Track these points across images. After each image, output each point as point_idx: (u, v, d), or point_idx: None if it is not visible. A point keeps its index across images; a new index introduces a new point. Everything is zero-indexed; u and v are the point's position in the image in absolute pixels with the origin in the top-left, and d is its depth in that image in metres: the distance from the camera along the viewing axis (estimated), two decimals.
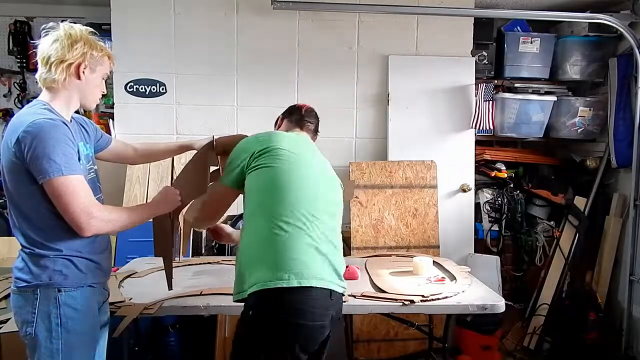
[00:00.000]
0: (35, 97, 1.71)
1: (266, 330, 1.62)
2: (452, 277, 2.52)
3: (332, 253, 1.74)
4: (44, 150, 1.51)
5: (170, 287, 2.15)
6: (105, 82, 1.80)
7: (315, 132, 2.04)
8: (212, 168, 2.17)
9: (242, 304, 1.70)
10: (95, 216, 1.56)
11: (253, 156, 1.75)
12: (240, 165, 1.78)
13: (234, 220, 3.28)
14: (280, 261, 1.62)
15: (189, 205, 2.18)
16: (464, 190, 3.64)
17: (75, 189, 1.54)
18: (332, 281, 1.69)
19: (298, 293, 1.60)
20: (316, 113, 2.06)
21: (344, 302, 1.87)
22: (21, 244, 1.63)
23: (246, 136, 2.15)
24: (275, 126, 2.07)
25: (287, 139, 1.82)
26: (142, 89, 3.51)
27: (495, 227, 3.77)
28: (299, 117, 1.99)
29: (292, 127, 1.99)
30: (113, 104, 3.51)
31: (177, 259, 2.37)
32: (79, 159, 1.63)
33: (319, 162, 1.89)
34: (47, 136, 1.52)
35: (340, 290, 1.73)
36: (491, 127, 3.63)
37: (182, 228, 2.14)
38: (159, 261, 2.57)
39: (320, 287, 1.63)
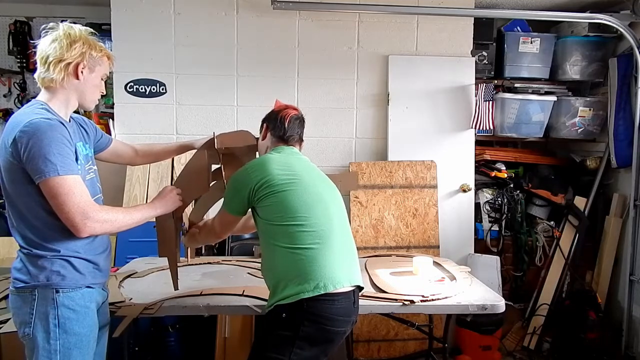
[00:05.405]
0: (35, 97, 1.70)
1: (295, 331, 1.71)
2: (452, 277, 2.52)
3: (351, 254, 1.88)
4: (40, 150, 1.51)
5: (176, 287, 2.16)
6: (105, 82, 1.80)
7: (301, 139, 2.03)
8: (214, 167, 2.17)
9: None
10: (91, 217, 1.55)
11: (254, 189, 1.79)
12: (244, 198, 1.82)
13: None
14: (308, 275, 1.72)
15: (194, 209, 2.18)
16: (464, 190, 3.63)
17: (70, 189, 1.53)
18: (357, 278, 1.84)
19: (324, 302, 1.71)
20: (301, 117, 2.02)
21: None
22: (19, 244, 1.63)
23: (248, 132, 2.15)
24: (260, 133, 2.04)
25: (277, 163, 1.83)
26: (142, 89, 3.50)
27: (495, 227, 3.76)
28: (282, 132, 1.96)
29: (276, 143, 1.97)
30: (113, 104, 3.51)
31: (183, 258, 2.37)
32: (77, 159, 1.63)
33: (313, 172, 1.92)
34: (44, 136, 1.52)
35: (362, 285, 1.88)
36: (491, 127, 3.63)
37: (187, 229, 2.14)
38: (159, 261, 2.59)
39: (345, 292, 1.76)
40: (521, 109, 3.65)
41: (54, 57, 1.61)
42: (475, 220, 3.72)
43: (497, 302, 2.22)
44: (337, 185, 1.99)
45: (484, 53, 3.73)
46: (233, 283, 2.39)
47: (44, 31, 1.66)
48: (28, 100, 3.63)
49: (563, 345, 3.48)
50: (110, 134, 3.05)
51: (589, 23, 3.51)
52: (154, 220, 1.97)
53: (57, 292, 1.60)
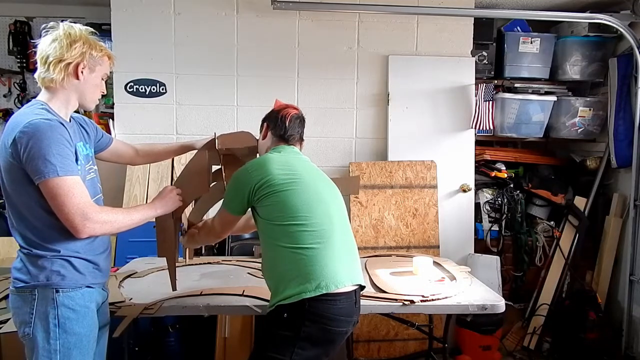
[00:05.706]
0: (35, 97, 1.70)
1: (297, 331, 1.70)
2: (452, 277, 2.52)
3: (352, 253, 1.87)
4: (40, 151, 1.50)
5: (174, 287, 2.16)
6: (105, 82, 1.80)
7: (301, 139, 2.03)
8: (214, 167, 2.17)
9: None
10: (90, 218, 1.55)
11: (254, 189, 1.78)
12: (244, 197, 1.82)
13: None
14: (309, 275, 1.71)
15: (194, 209, 2.18)
16: (464, 190, 3.63)
17: (70, 189, 1.53)
18: (359, 277, 1.83)
19: (326, 302, 1.71)
20: (301, 117, 2.02)
21: None
22: (19, 244, 1.63)
23: (249, 133, 2.15)
24: (260, 133, 2.04)
25: (277, 163, 1.82)
26: (142, 89, 3.51)
27: (495, 227, 3.76)
28: (283, 131, 1.96)
29: (276, 142, 1.97)
30: (113, 104, 3.51)
31: (181, 259, 2.37)
32: (77, 160, 1.63)
33: (313, 171, 1.91)
34: (43, 137, 1.51)
35: (364, 284, 1.88)
36: (491, 127, 3.63)
37: (186, 230, 2.14)
38: (159, 261, 2.59)
39: (347, 292, 1.75)
40: (521, 109, 3.65)
41: (54, 57, 1.61)
42: (475, 220, 3.72)
43: (497, 302, 2.22)
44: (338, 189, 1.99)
45: (484, 53, 3.73)
46: (233, 283, 2.39)
47: (44, 31, 1.66)
48: (28, 100, 3.64)
49: (563, 345, 3.48)
50: (110, 134, 3.04)
51: (589, 23, 3.51)
52: (154, 220, 1.97)
53: (57, 292, 1.60)
